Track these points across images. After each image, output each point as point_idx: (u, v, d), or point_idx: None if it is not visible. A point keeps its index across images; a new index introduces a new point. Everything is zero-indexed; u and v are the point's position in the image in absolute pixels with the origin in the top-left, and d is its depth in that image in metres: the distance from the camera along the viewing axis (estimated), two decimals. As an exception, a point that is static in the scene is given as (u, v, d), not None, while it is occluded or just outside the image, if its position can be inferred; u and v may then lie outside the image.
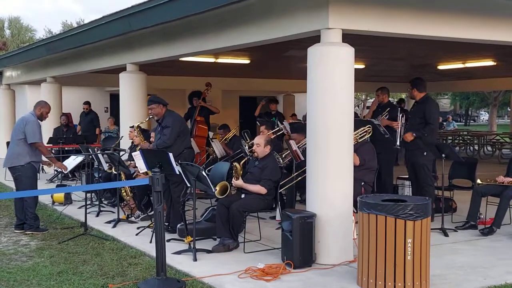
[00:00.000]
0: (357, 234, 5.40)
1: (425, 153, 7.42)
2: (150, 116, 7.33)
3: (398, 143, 7.77)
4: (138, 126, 7.99)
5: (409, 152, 7.70)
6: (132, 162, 8.05)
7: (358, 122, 7.83)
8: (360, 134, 7.20)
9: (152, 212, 6.81)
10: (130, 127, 8.53)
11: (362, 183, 6.88)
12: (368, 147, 7.20)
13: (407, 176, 8.23)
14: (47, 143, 12.33)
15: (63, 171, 8.96)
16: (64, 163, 8.71)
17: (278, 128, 9.27)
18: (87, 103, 14.38)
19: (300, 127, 8.06)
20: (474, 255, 6.05)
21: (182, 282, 5.08)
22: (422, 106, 7.55)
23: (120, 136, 9.36)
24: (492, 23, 6.58)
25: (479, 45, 7.33)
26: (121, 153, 8.56)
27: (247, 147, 8.31)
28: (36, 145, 7.34)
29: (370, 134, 7.29)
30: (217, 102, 18.28)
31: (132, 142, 8.62)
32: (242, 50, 9.50)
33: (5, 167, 7.63)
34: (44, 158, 7.68)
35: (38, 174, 7.67)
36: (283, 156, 7.78)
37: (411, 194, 7.86)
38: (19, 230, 7.45)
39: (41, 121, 7.61)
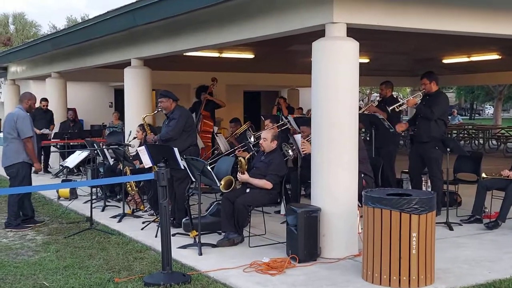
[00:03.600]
0: (361, 228, 5.41)
1: (437, 147, 7.40)
2: (159, 109, 7.38)
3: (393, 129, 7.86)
4: (144, 119, 8.03)
5: (420, 145, 7.67)
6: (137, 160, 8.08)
7: (362, 116, 7.83)
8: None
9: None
10: (139, 125, 8.53)
11: (362, 175, 6.86)
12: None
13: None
14: (53, 138, 12.40)
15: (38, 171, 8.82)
16: (68, 158, 8.73)
17: (283, 122, 9.26)
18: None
19: (309, 120, 8.05)
20: (479, 249, 6.05)
21: (188, 276, 5.10)
22: (434, 99, 7.53)
23: (129, 131, 9.35)
24: (498, 16, 6.55)
25: (484, 38, 7.30)
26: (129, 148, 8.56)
27: (252, 138, 8.30)
28: (25, 140, 7.26)
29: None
30: (222, 97, 18.21)
31: (140, 142, 8.59)
32: (246, 45, 9.49)
33: (3, 166, 7.54)
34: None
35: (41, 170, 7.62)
36: (293, 148, 7.74)
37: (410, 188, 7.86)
38: (25, 224, 7.47)
39: (29, 113, 7.54)
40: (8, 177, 7.51)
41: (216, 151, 10.41)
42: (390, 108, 7.79)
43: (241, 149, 8.86)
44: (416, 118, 7.81)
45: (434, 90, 7.62)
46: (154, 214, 7.70)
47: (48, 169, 12.64)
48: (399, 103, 7.93)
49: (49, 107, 13.00)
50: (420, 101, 7.74)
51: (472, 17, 6.41)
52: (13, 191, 7.41)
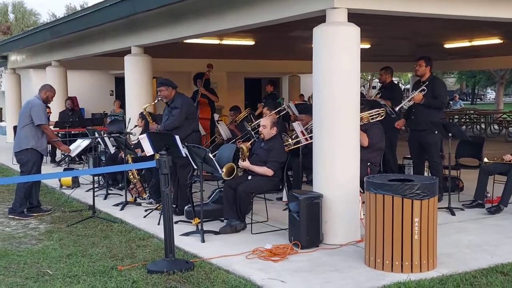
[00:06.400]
0: (364, 214, 5.41)
1: (436, 132, 7.38)
2: (159, 98, 7.35)
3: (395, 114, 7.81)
4: (145, 110, 8.03)
5: (418, 132, 7.66)
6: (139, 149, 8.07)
7: (364, 102, 7.80)
8: (373, 115, 7.11)
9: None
10: (140, 114, 8.52)
11: (368, 164, 6.87)
12: (377, 129, 7.10)
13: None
14: (54, 127, 12.37)
15: (69, 154, 8.96)
16: (70, 147, 8.73)
17: (279, 108, 9.23)
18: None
19: (307, 108, 8.00)
20: (481, 234, 6.05)
21: (191, 263, 5.12)
22: (430, 85, 7.50)
23: (128, 118, 9.33)
24: (499, 0, 6.50)
25: (486, 23, 7.26)
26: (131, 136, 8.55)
27: (250, 128, 8.30)
28: (42, 127, 7.37)
29: (382, 117, 7.18)
30: (222, 84, 18.28)
31: (142, 130, 8.57)
32: (247, 32, 9.43)
33: (13, 151, 7.66)
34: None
35: (43, 158, 7.68)
36: (293, 137, 7.74)
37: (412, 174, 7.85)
38: (29, 213, 7.50)
39: (46, 104, 7.65)
40: (19, 164, 7.54)
41: (217, 139, 10.39)
42: (397, 108, 7.69)
43: (241, 140, 8.83)
44: (412, 106, 7.74)
45: (428, 76, 7.58)
46: (154, 202, 7.71)
47: (56, 158, 12.60)
48: (406, 100, 7.78)
49: None
50: (415, 86, 7.69)
51: (474, 1, 6.35)
52: (12, 180, 7.51)
